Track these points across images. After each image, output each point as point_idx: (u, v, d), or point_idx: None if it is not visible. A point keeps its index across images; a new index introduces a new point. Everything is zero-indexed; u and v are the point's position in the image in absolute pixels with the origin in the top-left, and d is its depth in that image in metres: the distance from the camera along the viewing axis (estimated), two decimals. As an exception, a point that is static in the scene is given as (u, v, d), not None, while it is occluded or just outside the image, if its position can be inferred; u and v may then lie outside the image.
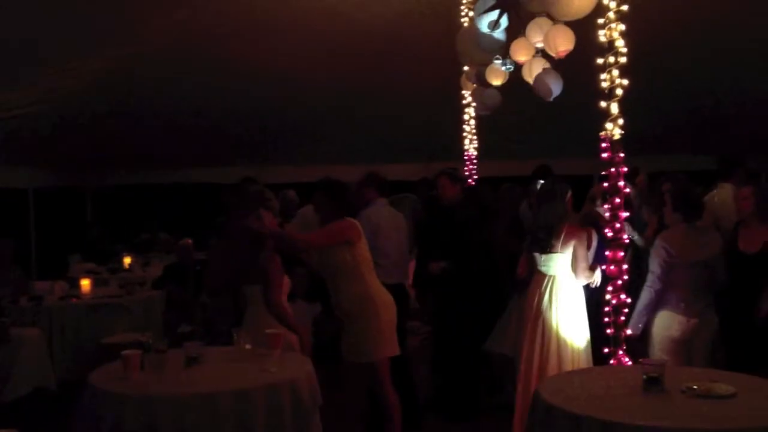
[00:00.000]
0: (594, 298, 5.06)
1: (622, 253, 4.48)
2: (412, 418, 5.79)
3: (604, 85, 4.37)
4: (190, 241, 8.41)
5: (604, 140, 4.42)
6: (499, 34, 4.95)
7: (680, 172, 5.93)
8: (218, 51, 7.00)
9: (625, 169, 4.48)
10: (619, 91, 4.35)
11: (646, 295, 4.91)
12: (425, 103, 8.56)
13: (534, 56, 5.12)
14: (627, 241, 4.65)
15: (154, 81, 7.49)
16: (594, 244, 5.12)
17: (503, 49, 5.19)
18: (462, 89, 7.18)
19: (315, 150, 10.46)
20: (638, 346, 4.86)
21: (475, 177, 7.95)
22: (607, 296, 4.49)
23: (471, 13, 5.88)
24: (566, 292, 5.04)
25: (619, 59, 4.33)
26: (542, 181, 6.43)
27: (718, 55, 7.62)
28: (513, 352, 5.66)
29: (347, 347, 4.94)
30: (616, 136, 4.38)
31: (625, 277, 4.49)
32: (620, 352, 4.43)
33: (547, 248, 5.06)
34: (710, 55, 7.62)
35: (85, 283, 7.63)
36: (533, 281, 5.18)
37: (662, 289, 4.87)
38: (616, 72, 4.34)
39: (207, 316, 7.49)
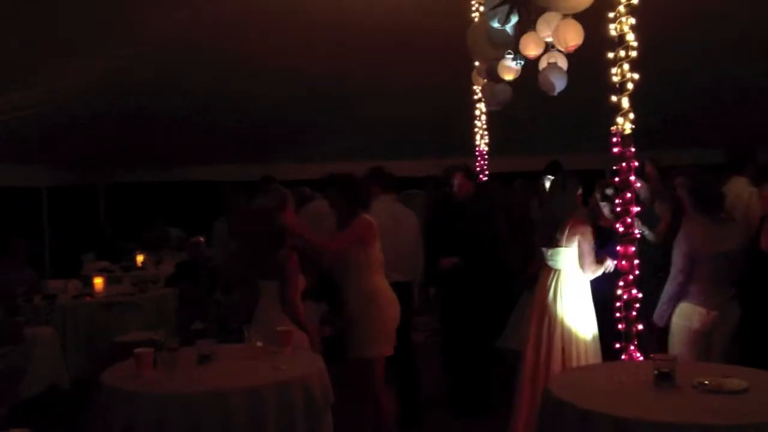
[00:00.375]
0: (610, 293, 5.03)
1: (633, 248, 4.46)
2: (413, 415, 5.79)
3: (615, 79, 4.35)
4: (201, 238, 8.46)
5: (615, 135, 4.40)
6: (509, 29, 4.93)
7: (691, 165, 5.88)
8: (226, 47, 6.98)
9: (637, 163, 4.45)
10: (630, 86, 4.32)
11: (669, 287, 4.92)
12: (436, 98, 8.53)
13: (549, 51, 5.10)
14: (638, 236, 4.62)
15: (154, 81, 7.48)
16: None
17: (514, 45, 5.17)
18: (473, 84, 7.15)
19: (322, 147, 10.45)
20: (650, 341, 4.84)
21: (487, 173, 7.92)
22: (618, 291, 4.48)
23: (482, 8, 5.86)
24: (572, 287, 5.04)
25: (629, 53, 4.30)
26: (552, 177, 6.41)
27: (727, 47, 7.56)
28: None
29: (349, 343, 5.04)
30: (627, 131, 4.36)
31: (636, 272, 4.47)
32: (631, 348, 4.41)
33: (553, 242, 5.07)
34: (719, 47, 7.56)
35: (99, 282, 7.68)
36: (542, 275, 5.20)
37: (685, 282, 4.86)
38: (626, 66, 4.31)
39: (220, 313, 7.54)
